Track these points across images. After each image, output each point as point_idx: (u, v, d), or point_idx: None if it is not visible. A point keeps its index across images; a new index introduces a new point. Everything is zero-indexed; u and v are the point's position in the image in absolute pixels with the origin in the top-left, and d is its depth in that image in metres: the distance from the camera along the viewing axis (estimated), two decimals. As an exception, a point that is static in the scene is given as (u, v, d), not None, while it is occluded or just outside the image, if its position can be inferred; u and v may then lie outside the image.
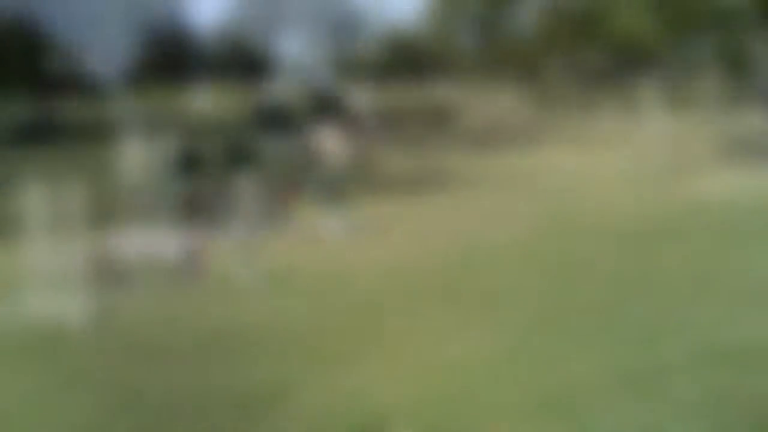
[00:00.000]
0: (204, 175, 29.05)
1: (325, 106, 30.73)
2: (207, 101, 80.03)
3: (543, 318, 8.13)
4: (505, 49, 74.08)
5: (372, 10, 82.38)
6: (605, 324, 7.85)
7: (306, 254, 12.08)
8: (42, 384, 6.70)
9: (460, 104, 73.67)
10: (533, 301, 8.88)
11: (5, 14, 74.46)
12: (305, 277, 10.39)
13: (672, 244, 12.65)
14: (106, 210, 16.13)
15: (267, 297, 9.45)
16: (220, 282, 10.00)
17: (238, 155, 32.71)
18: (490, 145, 46.71)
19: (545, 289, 9.39)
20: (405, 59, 73.69)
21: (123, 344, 7.71)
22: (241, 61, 79.04)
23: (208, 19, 78.97)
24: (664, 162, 27.00)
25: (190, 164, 30.24)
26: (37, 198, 9.14)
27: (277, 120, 29.35)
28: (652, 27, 25.57)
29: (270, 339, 7.72)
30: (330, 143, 10.49)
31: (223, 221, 12.34)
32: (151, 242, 10.05)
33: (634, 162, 30.42)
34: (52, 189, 9.10)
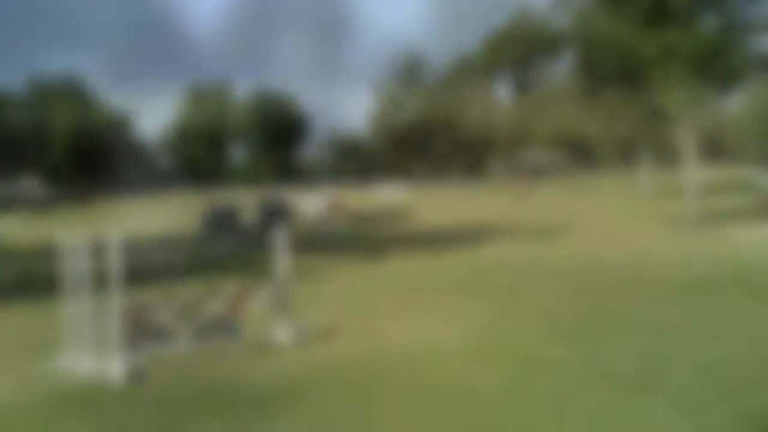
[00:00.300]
0: (239, 231, 29.39)
1: (277, 213, 32.09)
2: (243, 161, 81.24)
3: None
4: (538, 103, 74.54)
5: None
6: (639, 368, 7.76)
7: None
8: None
9: (492, 154, 73.62)
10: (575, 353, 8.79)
11: (53, 73, 76.62)
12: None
13: (705, 296, 12.50)
14: (144, 266, 16.29)
15: (303, 351, 9.43)
16: (257, 338, 9.99)
17: (273, 211, 32.99)
18: (525, 197, 46.67)
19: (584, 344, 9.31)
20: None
21: (161, 402, 7.70)
22: (274, 125, 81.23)
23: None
24: (699, 213, 26.74)
25: (224, 221, 30.62)
26: (76, 255, 9.23)
27: (228, 222, 30.60)
28: (690, 83, 25.56)
29: (309, 394, 7.69)
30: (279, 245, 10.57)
31: (257, 277, 12.38)
32: (187, 298, 10.09)
33: (671, 212, 30.17)
34: (90, 245, 9.19)
